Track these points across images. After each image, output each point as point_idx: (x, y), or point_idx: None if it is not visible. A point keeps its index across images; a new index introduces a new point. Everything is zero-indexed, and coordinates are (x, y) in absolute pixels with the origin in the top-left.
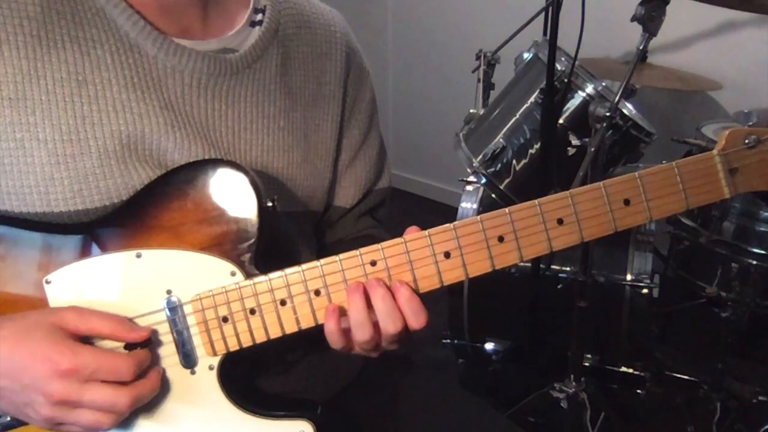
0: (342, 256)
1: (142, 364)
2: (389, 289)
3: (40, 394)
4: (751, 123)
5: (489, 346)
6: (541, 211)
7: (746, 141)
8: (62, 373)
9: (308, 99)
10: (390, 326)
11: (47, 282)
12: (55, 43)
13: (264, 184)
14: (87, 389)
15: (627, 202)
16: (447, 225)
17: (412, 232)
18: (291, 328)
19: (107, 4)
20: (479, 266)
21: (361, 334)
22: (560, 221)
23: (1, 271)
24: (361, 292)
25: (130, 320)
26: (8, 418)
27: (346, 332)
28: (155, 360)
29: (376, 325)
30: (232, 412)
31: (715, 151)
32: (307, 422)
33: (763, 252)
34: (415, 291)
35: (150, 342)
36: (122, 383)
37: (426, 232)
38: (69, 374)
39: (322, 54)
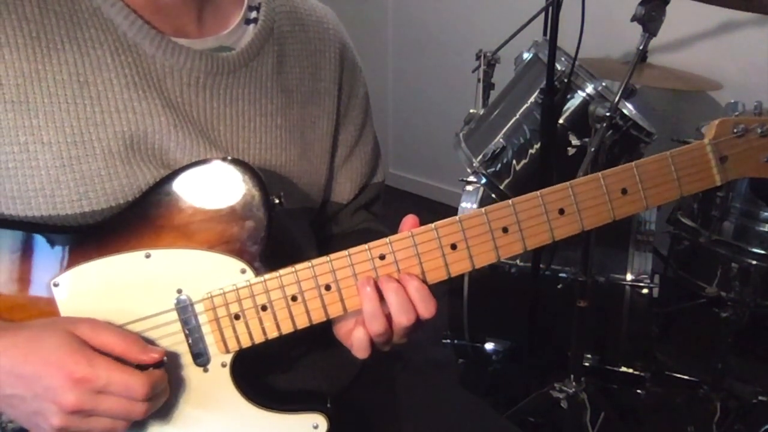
0: (351, 250)
1: (157, 386)
2: (400, 283)
3: (52, 403)
4: (737, 113)
5: (489, 346)
6: (543, 202)
7: (735, 130)
8: (76, 382)
9: (304, 96)
10: (403, 318)
11: (55, 285)
12: (54, 44)
13: (267, 181)
14: (101, 400)
15: (624, 191)
16: (453, 218)
17: (409, 221)
18: (302, 323)
19: (104, 4)
20: (485, 257)
21: (376, 326)
22: (561, 211)
23: (9, 276)
24: (372, 284)
25: (145, 340)
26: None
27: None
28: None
29: (388, 318)
30: (247, 408)
31: (706, 141)
32: (320, 415)
33: (763, 252)
34: (424, 282)
35: (164, 363)
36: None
37: (433, 225)
38: (83, 383)
39: (316, 51)
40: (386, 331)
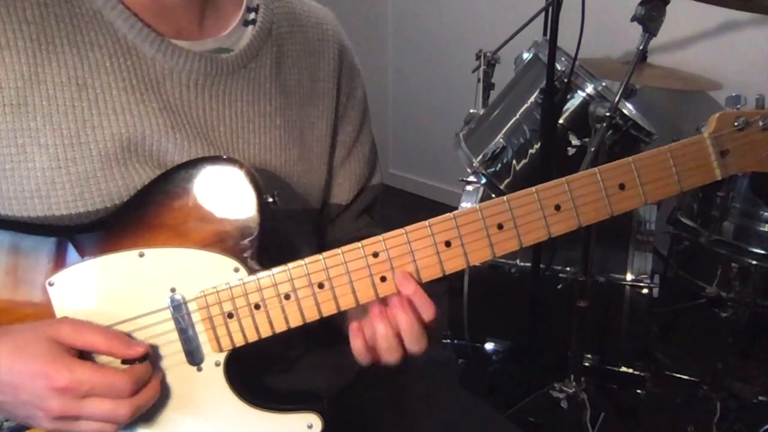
0: (344, 248)
1: (140, 379)
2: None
3: (39, 410)
4: (739, 106)
5: (489, 346)
6: (538, 198)
7: (735, 123)
8: (59, 390)
9: (303, 97)
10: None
11: (50, 284)
12: (54, 47)
13: (263, 180)
14: (85, 405)
15: (622, 186)
16: (447, 214)
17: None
18: (296, 321)
19: (104, 7)
20: (480, 254)
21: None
22: (558, 207)
23: (4, 275)
24: (385, 316)
25: (128, 335)
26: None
27: (371, 349)
28: (160, 358)
29: (398, 337)
30: (241, 408)
31: (705, 134)
32: (315, 414)
33: (763, 252)
34: (418, 281)
35: (148, 356)
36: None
37: (426, 222)
38: (65, 391)
39: (315, 52)
40: (398, 350)
